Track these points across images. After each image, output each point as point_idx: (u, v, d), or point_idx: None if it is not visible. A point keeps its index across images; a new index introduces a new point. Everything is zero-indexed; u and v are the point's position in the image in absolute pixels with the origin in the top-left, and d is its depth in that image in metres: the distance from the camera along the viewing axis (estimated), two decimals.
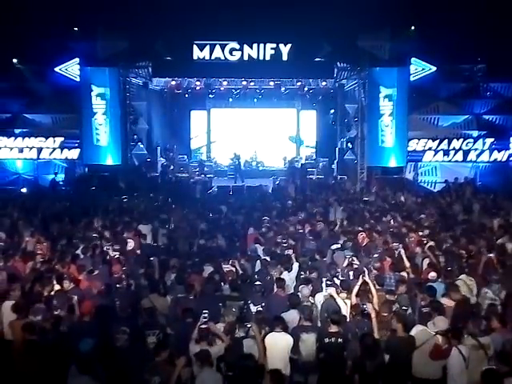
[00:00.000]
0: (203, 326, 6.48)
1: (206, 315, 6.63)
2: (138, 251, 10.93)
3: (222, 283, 8.59)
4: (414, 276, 8.96)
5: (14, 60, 21.37)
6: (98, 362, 5.83)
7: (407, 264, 9.25)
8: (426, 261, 9.59)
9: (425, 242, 10.63)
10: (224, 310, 7.35)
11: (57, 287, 8.15)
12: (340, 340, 6.74)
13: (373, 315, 7.01)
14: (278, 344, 6.70)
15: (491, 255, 9.52)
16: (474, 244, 10.51)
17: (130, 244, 11.09)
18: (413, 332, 6.77)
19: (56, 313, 7.25)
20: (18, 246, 10.59)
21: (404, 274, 9.02)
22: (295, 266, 9.32)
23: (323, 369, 6.77)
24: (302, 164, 23.66)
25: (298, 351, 6.77)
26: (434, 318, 6.86)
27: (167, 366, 5.98)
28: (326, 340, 6.74)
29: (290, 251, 10.18)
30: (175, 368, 5.89)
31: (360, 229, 11.99)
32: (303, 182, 20.57)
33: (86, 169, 21.29)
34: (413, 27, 19.90)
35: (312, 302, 7.82)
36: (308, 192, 18.45)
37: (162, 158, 23.08)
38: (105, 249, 10.30)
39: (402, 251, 9.72)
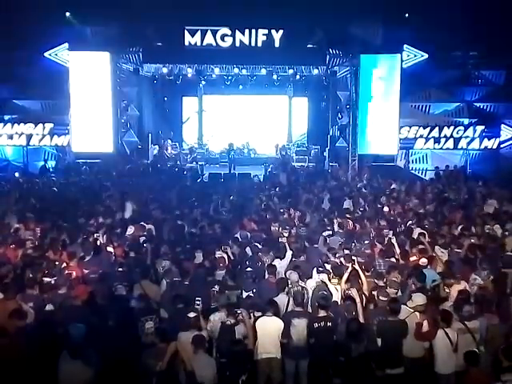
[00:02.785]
0: (191, 316, 6.50)
1: (198, 302, 6.68)
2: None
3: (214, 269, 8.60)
4: (404, 262, 9.03)
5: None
6: (89, 347, 5.84)
7: (397, 250, 9.33)
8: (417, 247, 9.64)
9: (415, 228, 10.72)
10: (218, 296, 7.39)
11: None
12: (329, 324, 6.82)
13: (357, 300, 7.08)
14: (268, 328, 6.77)
15: (473, 240, 9.67)
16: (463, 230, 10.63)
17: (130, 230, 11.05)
18: None
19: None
20: (7, 233, 10.50)
21: (393, 260, 9.11)
22: (288, 253, 9.33)
23: (313, 353, 6.84)
24: (292, 153, 23.67)
25: (287, 335, 6.82)
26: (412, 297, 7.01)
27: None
28: (316, 325, 6.80)
29: (284, 239, 10.17)
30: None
31: (348, 216, 12.00)
32: (294, 170, 20.55)
33: (76, 156, 21.10)
34: (406, 14, 19.83)
35: (303, 287, 7.86)
36: (301, 180, 18.43)
37: (153, 146, 22.94)
38: (95, 236, 10.23)
39: (393, 238, 9.83)
